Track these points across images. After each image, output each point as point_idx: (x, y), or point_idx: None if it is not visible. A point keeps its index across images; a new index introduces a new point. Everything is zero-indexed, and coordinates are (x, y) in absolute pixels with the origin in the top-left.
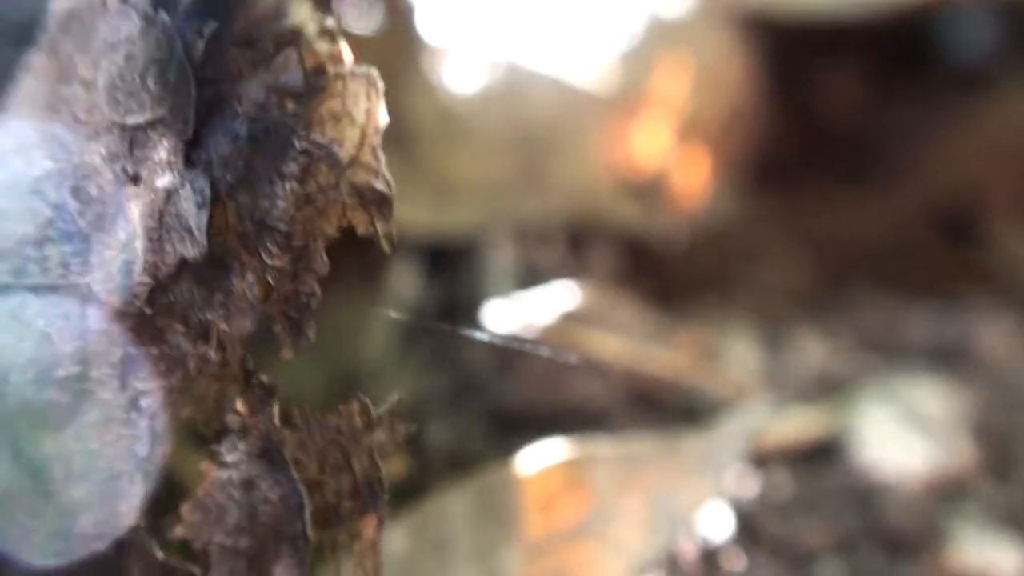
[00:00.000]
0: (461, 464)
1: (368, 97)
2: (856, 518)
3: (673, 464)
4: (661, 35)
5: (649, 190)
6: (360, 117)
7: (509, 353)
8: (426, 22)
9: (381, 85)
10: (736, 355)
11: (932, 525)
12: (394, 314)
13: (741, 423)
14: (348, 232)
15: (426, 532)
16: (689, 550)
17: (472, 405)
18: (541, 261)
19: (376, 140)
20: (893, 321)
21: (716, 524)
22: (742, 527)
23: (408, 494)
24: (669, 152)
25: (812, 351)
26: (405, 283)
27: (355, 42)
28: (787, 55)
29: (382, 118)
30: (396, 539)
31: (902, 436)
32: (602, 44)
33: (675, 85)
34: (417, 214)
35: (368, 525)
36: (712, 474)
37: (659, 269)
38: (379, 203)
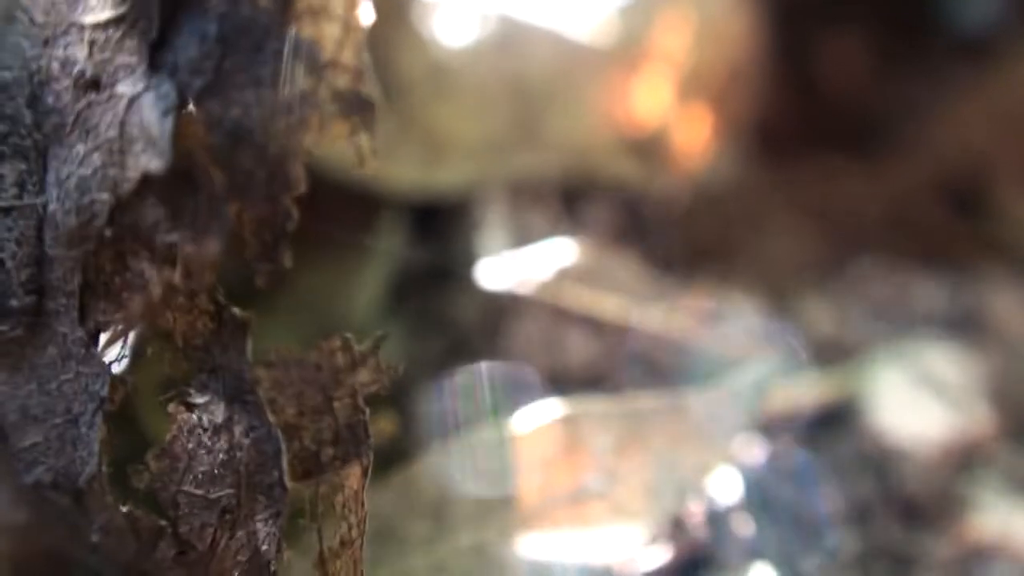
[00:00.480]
0: (455, 425)
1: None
2: (871, 485)
3: (678, 424)
4: None
5: (648, 147)
6: (341, 12)
7: (503, 312)
8: None
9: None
10: (741, 320)
11: (950, 493)
12: (380, 274)
13: (750, 381)
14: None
15: (417, 493)
16: (696, 514)
17: (464, 367)
18: (536, 219)
19: (359, 38)
20: (902, 291)
21: (724, 488)
22: (753, 494)
23: (397, 456)
24: (669, 108)
25: (820, 319)
26: (393, 242)
27: None
28: (791, 17)
29: (366, 14)
30: (384, 500)
31: (918, 401)
32: None
33: (676, 38)
34: (407, 170)
35: (352, 475)
36: (721, 435)
37: (659, 230)
38: (362, 110)
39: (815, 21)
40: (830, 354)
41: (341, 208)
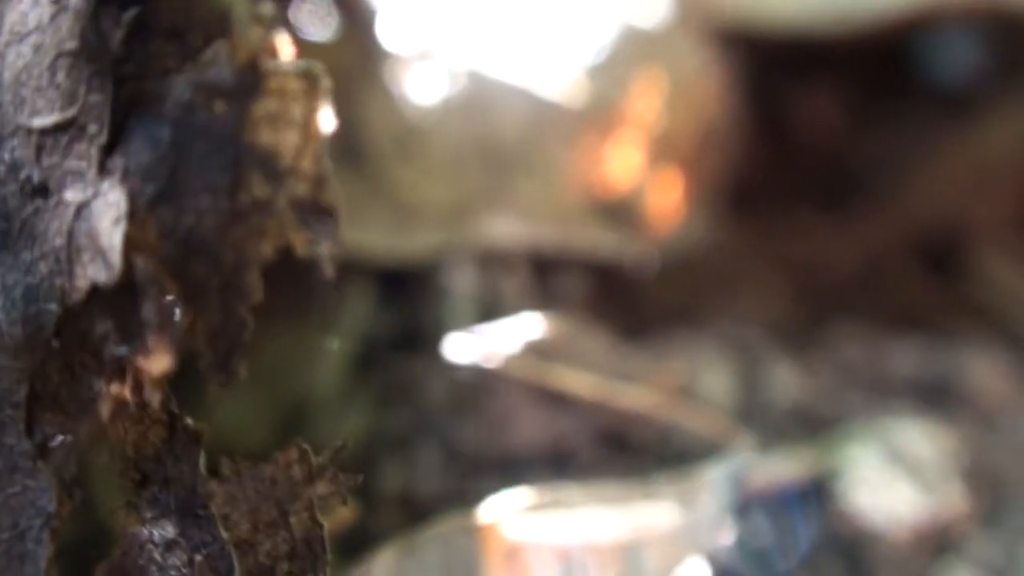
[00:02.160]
0: (416, 508)
1: (309, 97)
2: (842, 569)
3: (648, 516)
4: (634, 47)
5: (620, 211)
6: (300, 120)
7: (469, 388)
8: (387, 29)
9: (326, 83)
10: (710, 389)
11: (922, 572)
12: (345, 345)
13: (725, 470)
14: (287, 253)
15: None
16: None
17: (429, 444)
18: (505, 288)
19: (319, 147)
20: (875, 354)
21: None
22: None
23: (358, 542)
24: (641, 172)
25: (790, 385)
26: (358, 311)
27: (306, 47)
28: (764, 72)
29: (327, 122)
30: None
31: (891, 480)
32: (572, 55)
33: (648, 101)
34: (373, 236)
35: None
36: (693, 528)
37: (630, 297)
38: (322, 220)
39: (790, 70)
40: (799, 424)
41: (297, 274)
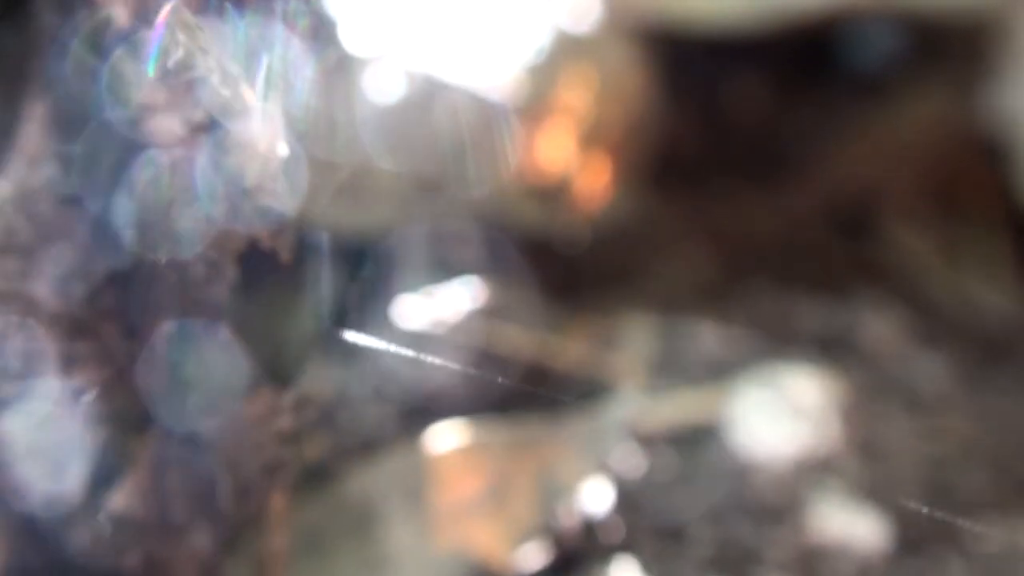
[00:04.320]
0: (375, 447)
1: (268, 132)
2: (728, 493)
3: (558, 444)
4: (566, 49)
5: (552, 194)
6: (262, 149)
7: (421, 346)
8: (349, 36)
9: (279, 121)
10: (633, 344)
11: (797, 498)
12: (311, 310)
13: (618, 407)
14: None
15: (341, 508)
16: (569, 521)
17: (381, 393)
18: (451, 259)
19: (276, 167)
20: (784, 312)
21: (597, 498)
22: (624, 501)
23: (325, 475)
24: (572, 158)
25: (705, 340)
26: (327, 280)
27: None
28: (694, 65)
29: (281, 149)
30: (314, 515)
31: (775, 420)
32: (512, 58)
33: (578, 96)
34: (338, 215)
35: (277, 500)
36: (593, 453)
37: (564, 266)
38: (279, 222)
39: (718, 62)
40: (710, 374)
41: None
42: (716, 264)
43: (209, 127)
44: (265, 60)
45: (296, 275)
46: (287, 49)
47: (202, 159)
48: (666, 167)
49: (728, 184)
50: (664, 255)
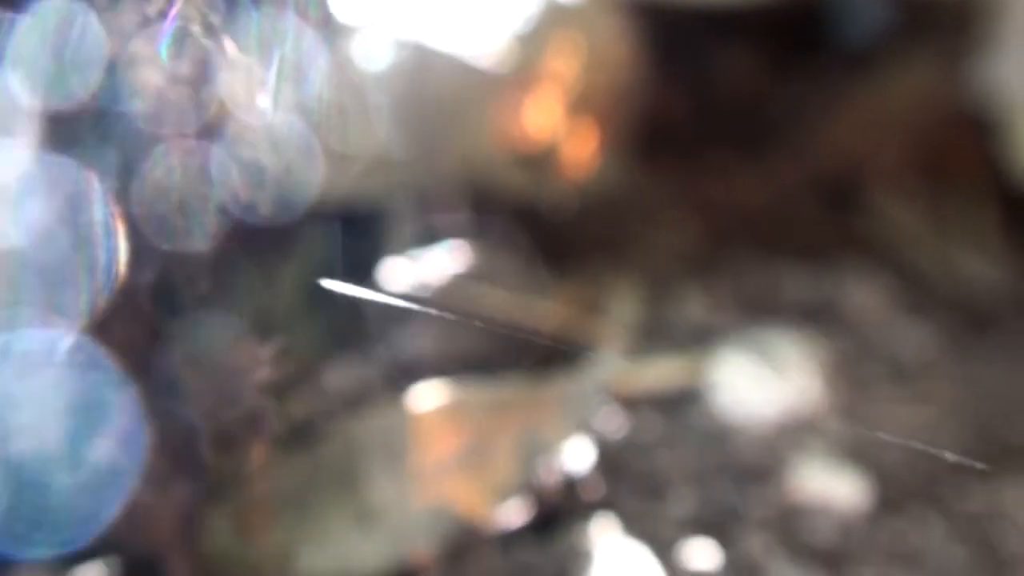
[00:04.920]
0: (358, 405)
1: (250, 87)
2: (710, 454)
3: (540, 405)
4: (555, 19)
5: (539, 161)
6: (243, 101)
7: (405, 308)
8: (340, 5)
9: (260, 75)
10: (618, 309)
11: (778, 460)
12: (302, 270)
13: (601, 370)
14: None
15: (324, 463)
16: (550, 479)
17: (373, 354)
18: (440, 225)
19: (257, 121)
20: (770, 281)
21: (579, 458)
22: (605, 462)
23: (308, 432)
24: (559, 126)
25: (691, 306)
26: (317, 244)
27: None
28: (684, 36)
29: (262, 103)
30: (297, 471)
31: (758, 383)
32: (501, 26)
33: (566, 65)
34: (329, 181)
35: (257, 451)
36: (575, 415)
37: (551, 232)
38: (260, 175)
39: (713, 38)
40: (695, 339)
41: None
42: (703, 233)
43: (191, 80)
44: (277, 51)
45: (281, 233)
46: (300, 39)
47: (184, 112)
48: (655, 137)
49: (717, 154)
50: (651, 223)
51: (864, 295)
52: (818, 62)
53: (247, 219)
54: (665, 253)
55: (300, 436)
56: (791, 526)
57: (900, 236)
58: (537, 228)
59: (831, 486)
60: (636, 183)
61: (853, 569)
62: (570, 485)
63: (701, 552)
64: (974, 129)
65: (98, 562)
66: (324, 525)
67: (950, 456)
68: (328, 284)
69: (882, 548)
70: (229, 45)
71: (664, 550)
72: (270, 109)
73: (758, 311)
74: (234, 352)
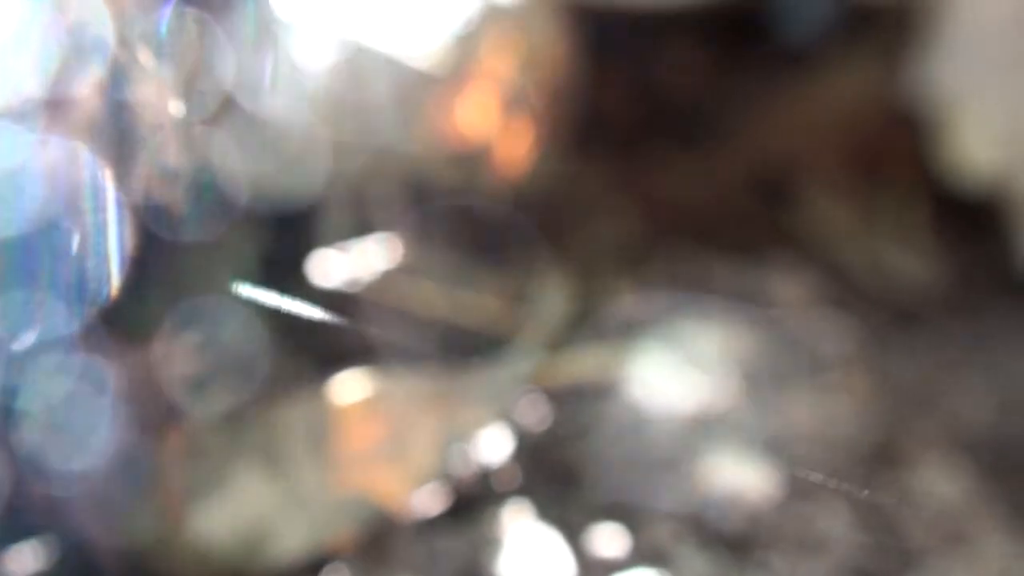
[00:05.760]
0: (282, 396)
1: (163, 99)
2: (625, 445)
3: (460, 396)
4: (493, 20)
5: (474, 158)
6: (161, 111)
7: (339, 301)
8: (282, 4)
9: (173, 87)
10: (545, 302)
11: (691, 451)
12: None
13: (522, 362)
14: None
15: (247, 451)
16: (466, 468)
17: (304, 344)
18: (375, 220)
19: (171, 129)
20: (700, 274)
21: (495, 447)
22: (523, 451)
23: (232, 420)
24: (495, 124)
25: (619, 299)
26: (252, 239)
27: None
28: (622, 36)
29: (176, 112)
30: (220, 457)
31: (675, 376)
32: (438, 27)
33: (503, 64)
34: (267, 178)
35: (174, 434)
36: (494, 405)
37: (484, 227)
38: (173, 177)
39: (652, 32)
40: (622, 332)
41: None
42: (638, 227)
43: (106, 87)
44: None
45: (204, 230)
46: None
47: (102, 115)
48: (592, 134)
49: (654, 151)
50: (587, 218)
51: (790, 289)
52: (759, 61)
53: (165, 219)
54: (599, 247)
55: (222, 425)
56: (700, 515)
57: (830, 232)
58: (470, 223)
59: (741, 476)
60: (572, 179)
61: (760, 555)
62: (486, 474)
63: (610, 539)
64: (909, 129)
65: (31, 543)
66: (245, 510)
67: (814, 477)
68: (246, 290)
69: (789, 536)
70: (143, 53)
71: (574, 536)
72: (202, 110)
73: (684, 304)
74: (158, 345)
